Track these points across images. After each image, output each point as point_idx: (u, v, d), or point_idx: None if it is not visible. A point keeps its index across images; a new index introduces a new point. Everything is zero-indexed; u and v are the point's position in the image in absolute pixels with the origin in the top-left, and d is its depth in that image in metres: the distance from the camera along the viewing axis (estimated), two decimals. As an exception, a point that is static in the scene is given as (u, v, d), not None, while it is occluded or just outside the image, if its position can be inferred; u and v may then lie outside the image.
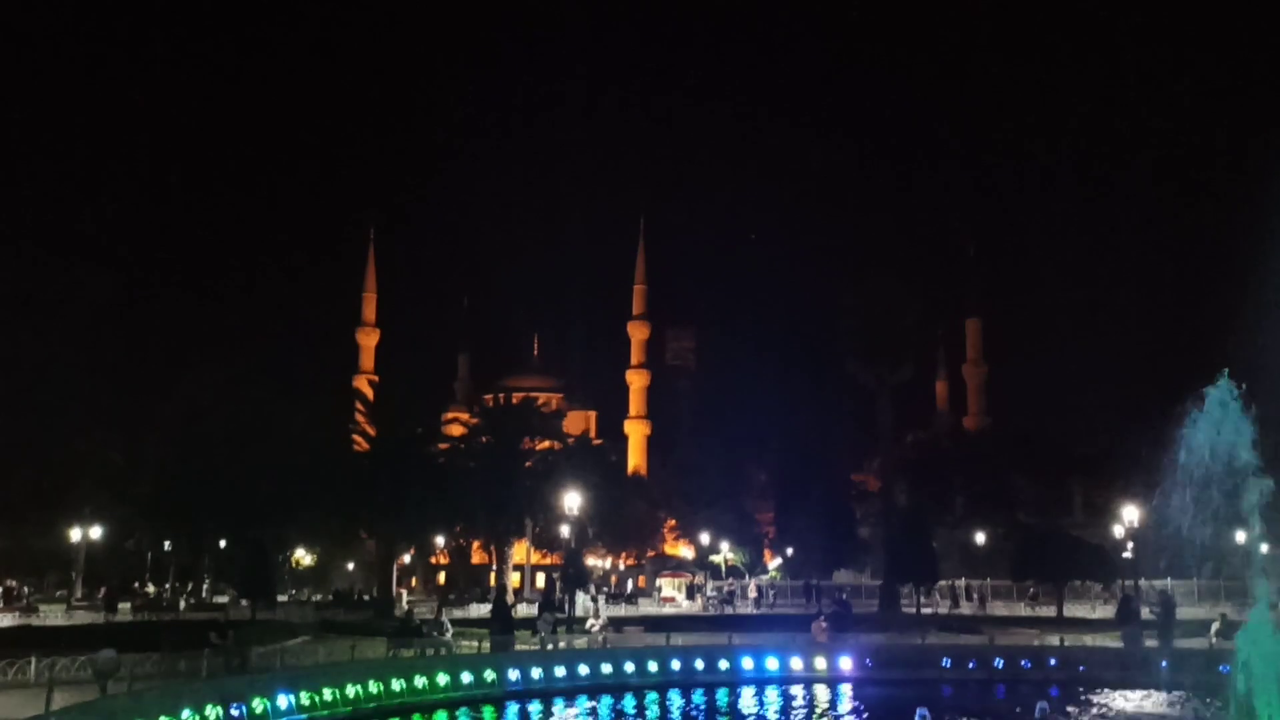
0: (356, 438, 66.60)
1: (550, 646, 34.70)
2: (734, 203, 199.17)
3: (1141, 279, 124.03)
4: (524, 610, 56.55)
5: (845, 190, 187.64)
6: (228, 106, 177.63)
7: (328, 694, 24.18)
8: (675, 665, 31.42)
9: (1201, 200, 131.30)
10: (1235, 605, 44.04)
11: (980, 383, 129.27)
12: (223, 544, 70.14)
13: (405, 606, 57.06)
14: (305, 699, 23.52)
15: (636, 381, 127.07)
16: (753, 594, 68.45)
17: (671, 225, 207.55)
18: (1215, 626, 35.42)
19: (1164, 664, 31.07)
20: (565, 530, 63.21)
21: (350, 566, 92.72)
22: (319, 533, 76.58)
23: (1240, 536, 26.86)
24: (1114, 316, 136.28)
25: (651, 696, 29.53)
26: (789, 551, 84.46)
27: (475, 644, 33.77)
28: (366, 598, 67.90)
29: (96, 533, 66.01)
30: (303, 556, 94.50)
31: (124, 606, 57.76)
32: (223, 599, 67.55)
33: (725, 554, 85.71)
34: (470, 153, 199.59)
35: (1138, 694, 29.32)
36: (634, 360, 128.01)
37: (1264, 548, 22.84)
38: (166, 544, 75.52)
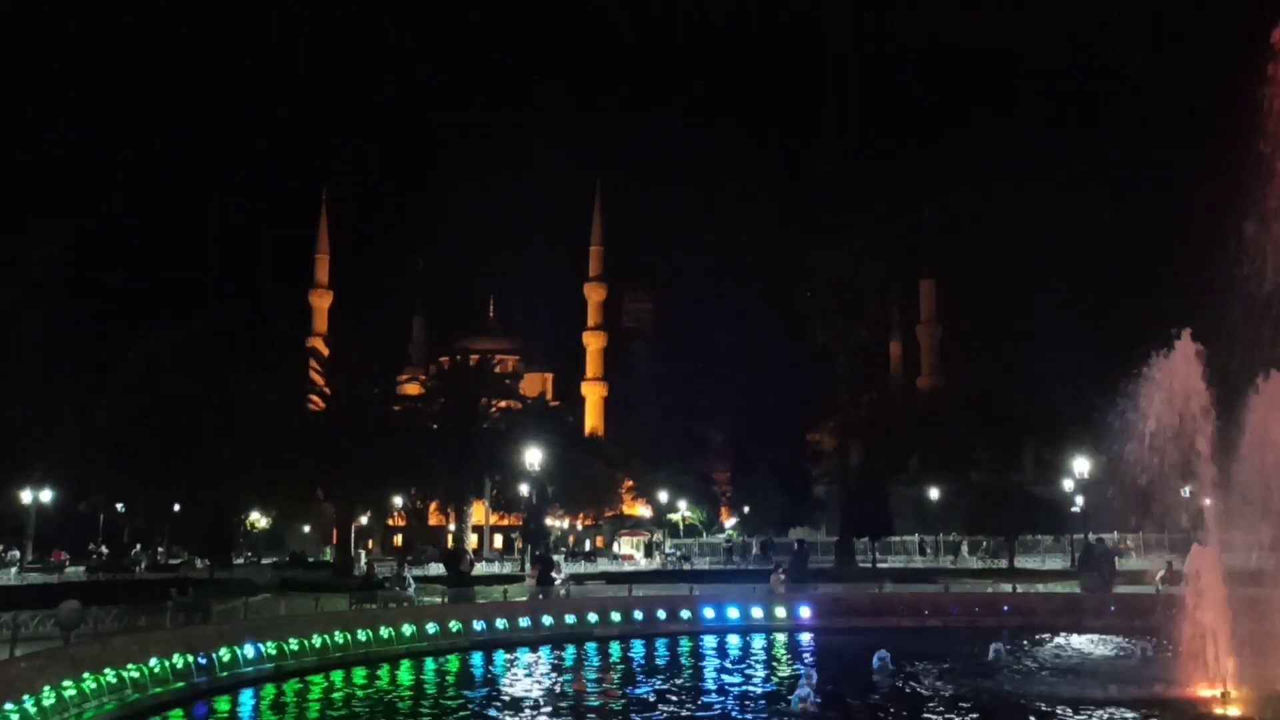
0: (313, 398, 66.10)
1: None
2: (692, 165, 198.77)
3: (1094, 238, 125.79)
4: (483, 568, 56.85)
5: (802, 151, 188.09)
6: (175, 65, 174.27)
7: (294, 644, 24.28)
8: (638, 615, 31.87)
9: (1158, 156, 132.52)
10: (1180, 556, 45.26)
11: (933, 343, 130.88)
12: (177, 507, 69.57)
13: (365, 566, 57.07)
14: (272, 649, 23.61)
15: (593, 343, 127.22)
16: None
17: (629, 186, 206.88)
18: (1161, 574, 36.49)
19: (1113, 609, 32.03)
20: (525, 489, 63.40)
21: (306, 529, 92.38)
22: (275, 495, 76.15)
23: (1185, 490, 27.66)
24: (1066, 274, 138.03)
25: (615, 645, 29.95)
26: (746, 510, 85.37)
27: (439, 599, 33.98)
28: (325, 559, 67.68)
29: (47, 496, 65.23)
30: (258, 520, 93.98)
31: (78, 570, 57.26)
32: (178, 561, 67.13)
33: (683, 513, 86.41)
34: (424, 112, 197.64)
35: (1089, 638, 30.21)
36: (590, 322, 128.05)
37: (1207, 501, 23.53)
38: (120, 506, 74.74)
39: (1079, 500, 57.16)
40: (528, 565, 48.10)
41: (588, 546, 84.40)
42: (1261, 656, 20.28)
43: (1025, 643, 28.05)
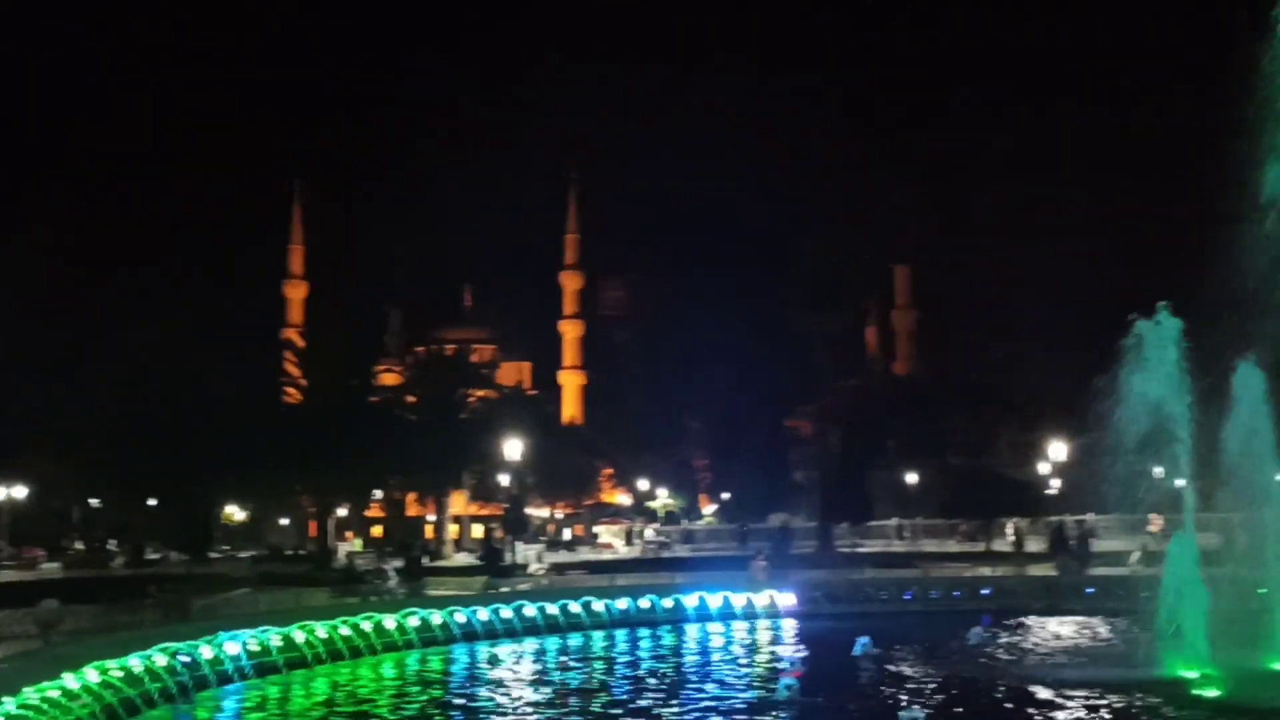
0: (289, 390, 65.69)
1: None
2: (668, 151, 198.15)
3: (1069, 221, 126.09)
4: (462, 559, 56.83)
5: (778, 137, 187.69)
6: (147, 58, 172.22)
7: (275, 639, 24.13)
8: (620, 605, 31.85)
9: (1134, 139, 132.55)
10: (1156, 537, 45.75)
11: (910, 328, 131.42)
12: (152, 501, 69.07)
13: (345, 558, 56.87)
14: (253, 645, 23.46)
15: (570, 332, 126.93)
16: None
17: (604, 173, 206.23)
18: (1136, 556, 36.85)
19: (1090, 590, 32.34)
20: (505, 479, 63.32)
21: (284, 522, 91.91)
22: (252, 488, 75.70)
23: (1159, 472, 27.93)
24: (1042, 260, 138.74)
25: (598, 635, 29.97)
26: (725, 496, 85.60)
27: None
28: (303, 552, 67.37)
29: (21, 492, 64.65)
30: (234, 513, 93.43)
31: (53, 566, 56.78)
32: (155, 556, 66.69)
33: (663, 500, 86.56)
34: (398, 101, 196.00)
35: (1067, 619, 30.49)
36: (567, 310, 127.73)
37: (1180, 482, 23.74)
38: (94, 501, 74.13)
39: (1054, 482, 57.62)
40: (507, 556, 47.92)
41: (567, 535, 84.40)
42: (1238, 636, 20.55)
43: (1005, 633, 28.26)
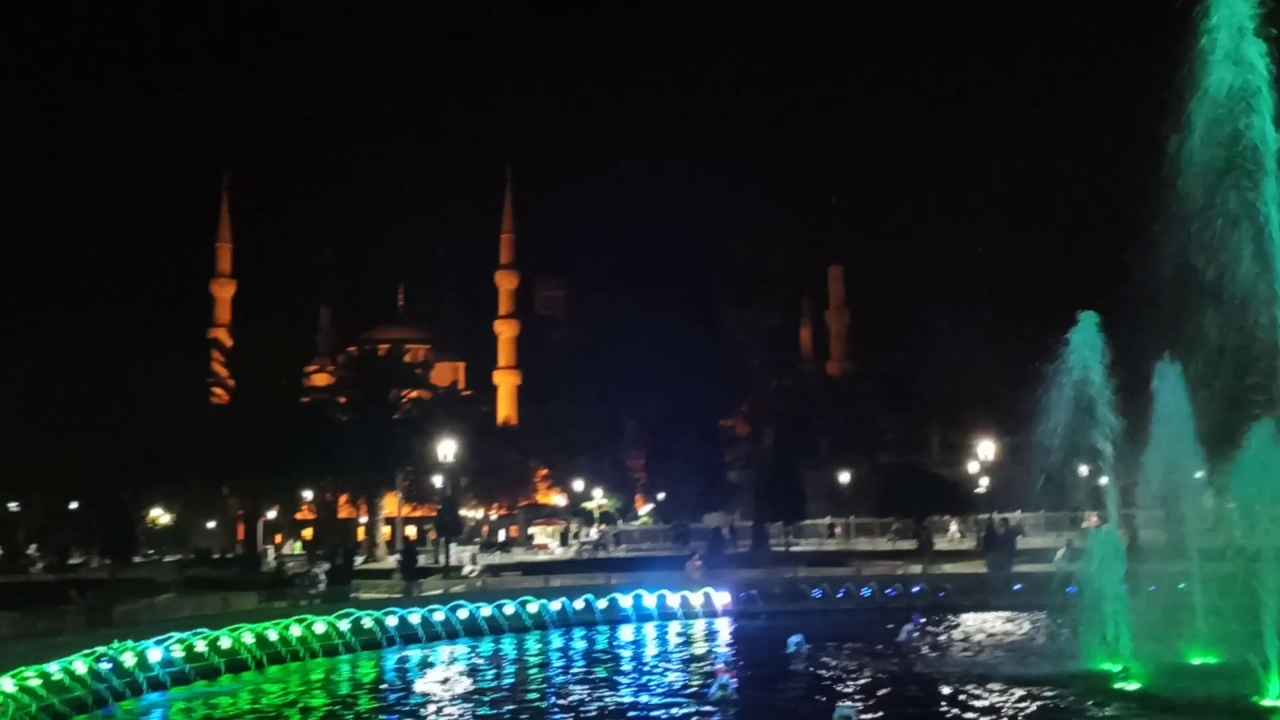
0: (217, 391, 64.39)
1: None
2: (602, 150, 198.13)
3: (1003, 221, 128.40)
4: (394, 562, 56.11)
5: (712, 138, 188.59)
6: (72, 53, 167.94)
7: (200, 645, 23.65)
8: (555, 607, 31.73)
9: (1064, 140, 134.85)
10: (1081, 534, 46.75)
11: (843, 328, 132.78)
12: (74, 504, 67.28)
13: (273, 562, 55.96)
14: (178, 650, 22.96)
15: (505, 332, 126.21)
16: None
17: (539, 174, 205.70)
18: (1061, 552, 37.58)
19: (1018, 587, 32.90)
20: (438, 480, 62.77)
21: (211, 525, 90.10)
22: (178, 490, 74.08)
23: (1084, 470, 28.53)
24: (972, 259, 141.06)
25: (533, 637, 29.83)
26: (661, 496, 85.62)
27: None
28: (230, 555, 66.13)
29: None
30: (160, 516, 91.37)
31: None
32: (77, 560, 65.01)
33: (599, 501, 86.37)
34: (330, 99, 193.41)
35: (996, 615, 31.00)
36: (502, 310, 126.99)
37: (1104, 480, 24.25)
38: (14, 505, 72.00)
39: (984, 481, 58.55)
40: (440, 558, 47.61)
41: (502, 536, 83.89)
42: (1159, 630, 21.02)
43: (935, 629, 28.65)
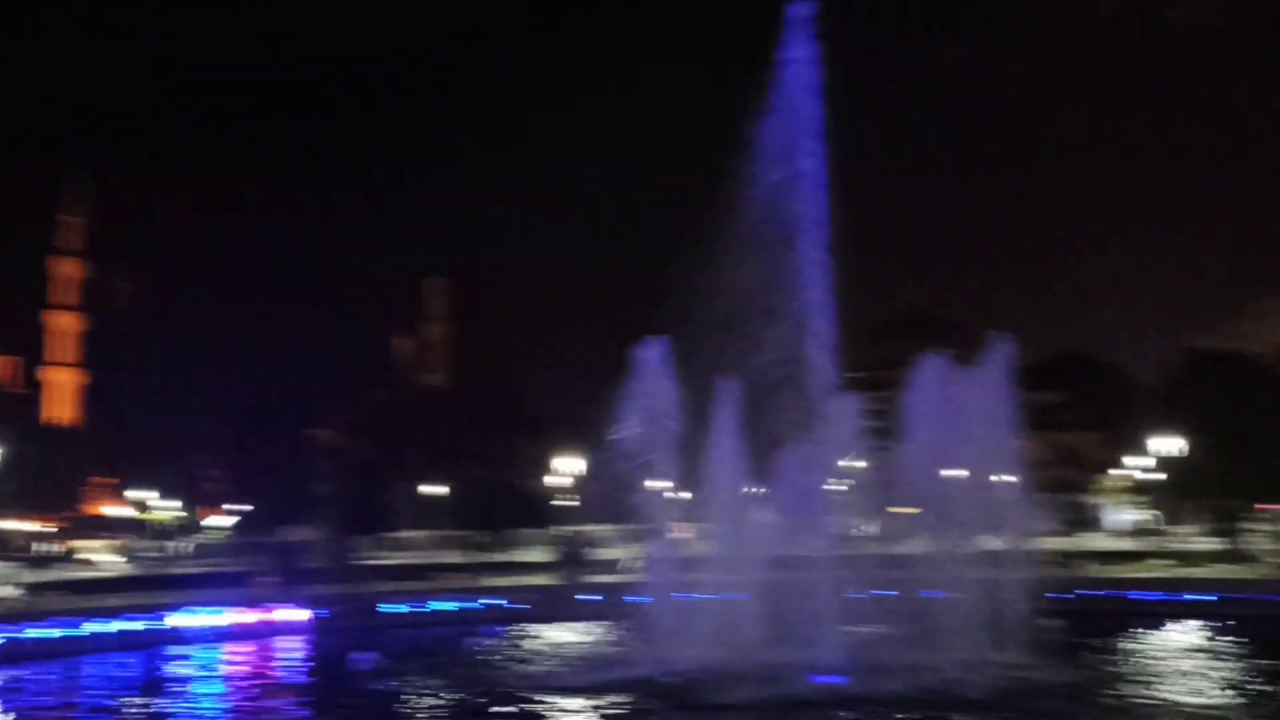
0: None
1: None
2: (188, 150, 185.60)
3: (603, 240, 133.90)
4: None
5: (300, 139, 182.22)
6: None
7: None
8: (114, 627, 28.99)
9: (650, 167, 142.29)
10: (648, 545, 49.69)
11: (442, 341, 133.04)
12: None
13: None
14: None
15: (63, 325, 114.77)
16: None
17: (109, 157, 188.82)
18: (626, 563, 39.80)
19: (592, 598, 34.39)
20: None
21: None
22: None
23: (655, 484, 30.37)
24: (562, 279, 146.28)
25: (84, 662, 27.05)
26: (242, 508, 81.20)
27: None
28: None
29: None
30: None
31: None
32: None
33: (172, 513, 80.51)
34: None
35: (568, 626, 32.14)
36: (57, 300, 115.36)
37: (668, 493, 25.95)
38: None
39: (569, 495, 60.77)
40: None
41: (54, 551, 75.76)
42: (719, 636, 22.69)
43: (509, 641, 29.21)
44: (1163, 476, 59.98)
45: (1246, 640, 27.45)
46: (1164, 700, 19.54)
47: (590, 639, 30.06)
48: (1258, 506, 56.03)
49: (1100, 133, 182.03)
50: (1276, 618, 31.03)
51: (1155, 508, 66.38)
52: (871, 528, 28.06)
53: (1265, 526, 53.80)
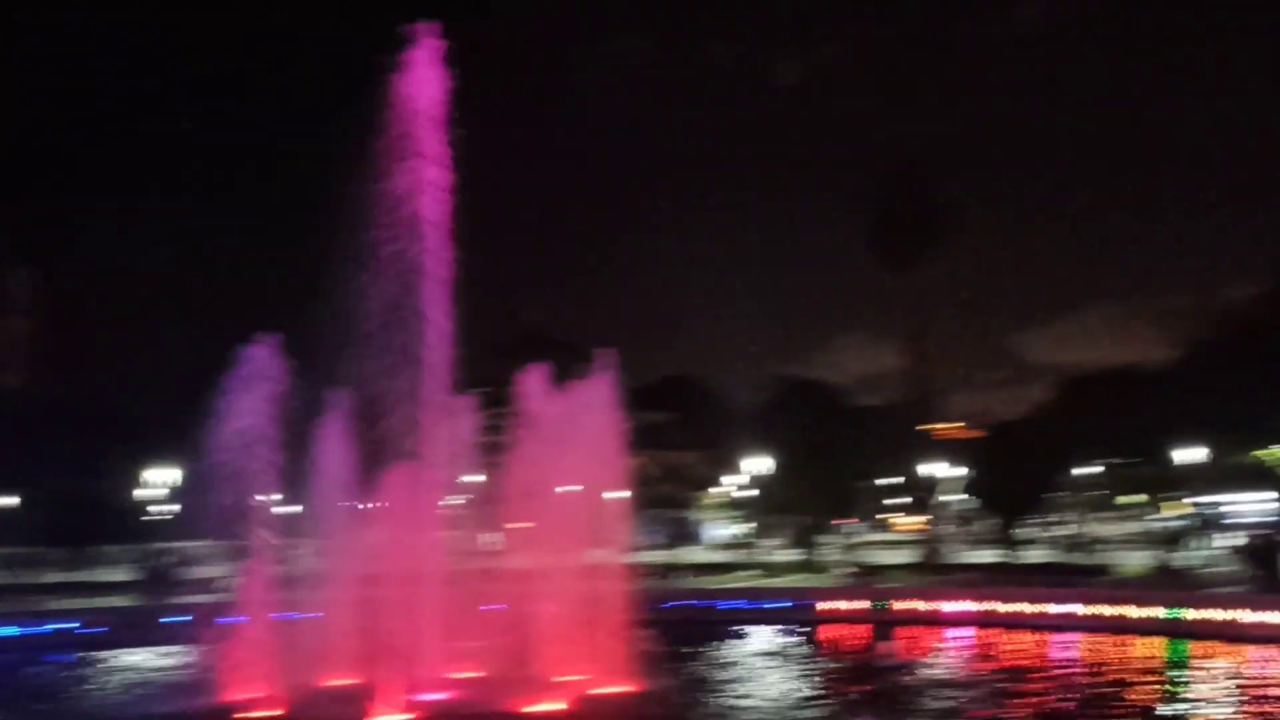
0: None
1: None
2: None
3: (198, 242, 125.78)
4: None
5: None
6: None
7: None
8: None
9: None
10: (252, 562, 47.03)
11: (22, 337, 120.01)
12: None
13: None
14: None
15: None
16: None
17: None
18: (222, 581, 37.32)
19: (176, 619, 32.07)
20: None
21: None
22: None
23: (261, 498, 28.76)
24: (175, 279, 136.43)
25: None
26: None
27: None
28: None
29: None
30: None
31: None
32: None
33: None
34: None
35: (153, 650, 29.73)
36: None
37: (271, 507, 24.67)
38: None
39: (161, 509, 56.50)
40: None
41: None
42: (306, 657, 21.79)
43: (83, 667, 26.63)
44: (755, 493, 65.22)
45: (812, 641, 30.74)
46: (736, 704, 20.97)
47: (173, 663, 27.92)
48: (834, 521, 62.03)
49: (711, 180, 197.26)
50: (839, 619, 34.52)
51: (748, 522, 71.56)
52: (496, 542, 28.18)
53: (838, 539, 59.46)
